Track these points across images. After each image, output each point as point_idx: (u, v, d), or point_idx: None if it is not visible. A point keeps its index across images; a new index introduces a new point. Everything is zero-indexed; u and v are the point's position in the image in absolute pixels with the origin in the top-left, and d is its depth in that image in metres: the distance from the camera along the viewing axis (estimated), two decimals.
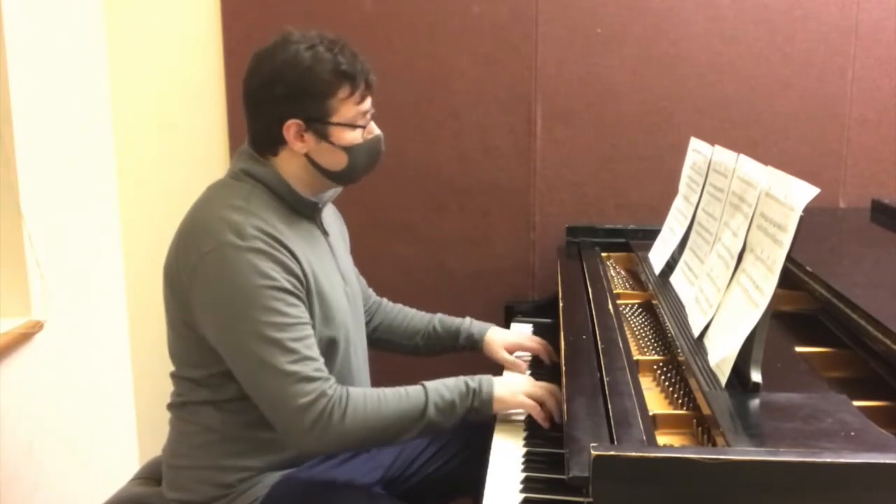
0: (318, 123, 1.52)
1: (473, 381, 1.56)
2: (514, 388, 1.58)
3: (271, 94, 1.51)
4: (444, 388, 1.53)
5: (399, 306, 1.94)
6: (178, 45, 2.49)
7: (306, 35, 1.53)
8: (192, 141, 2.54)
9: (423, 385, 1.54)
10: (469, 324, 1.90)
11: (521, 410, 1.61)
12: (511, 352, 1.88)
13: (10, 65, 1.97)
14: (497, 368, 1.86)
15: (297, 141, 1.52)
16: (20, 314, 2.06)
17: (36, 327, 2.07)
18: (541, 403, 1.58)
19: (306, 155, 1.54)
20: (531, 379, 1.69)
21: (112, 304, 2.47)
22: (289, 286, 1.46)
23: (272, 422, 1.48)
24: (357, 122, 1.54)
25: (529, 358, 1.91)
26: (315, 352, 1.47)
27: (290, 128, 1.51)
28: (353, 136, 1.54)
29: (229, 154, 2.52)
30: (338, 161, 1.55)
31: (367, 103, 1.56)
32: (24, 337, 2.04)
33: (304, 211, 1.59)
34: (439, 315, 1.92)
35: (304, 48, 1.50)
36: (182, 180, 2.52)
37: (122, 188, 2.49)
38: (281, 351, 1.42)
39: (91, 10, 2.35)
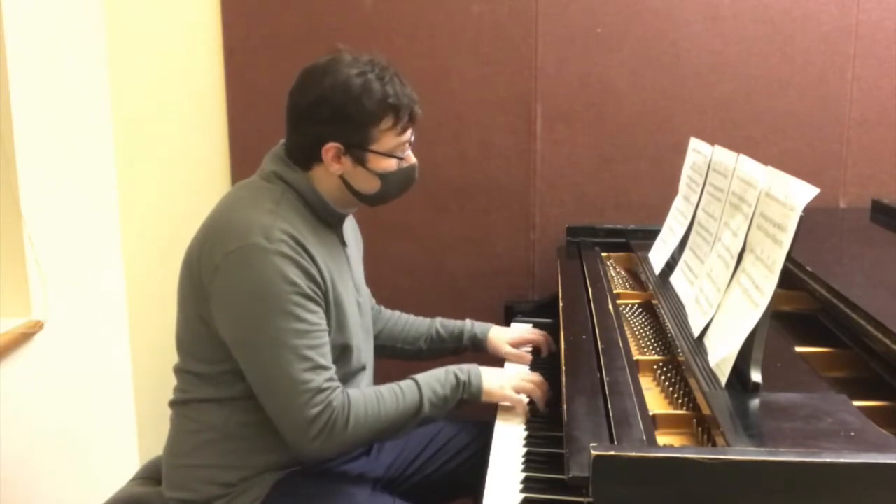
0: (358, 149, 1.53)
1: (462, 373, 1.60)
2: (502, 382, 1.64)
3: (316, 114, 1.51)
4: (437, 382, 1.58)
5: (397, 313, 1.95)
6: (178, 45, 2.49)
7: (358, 59, 1.53)
8: (192, 141, 2.54)
9: (416, 382, 1.57)
10: (471, 325, 1.93)
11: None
12: (516, 346, 1.93)
13: (10, 64, 1.97)
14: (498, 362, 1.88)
15: (333, 162, 1.54)
16: (20, 314, 2.06)
17: (36, 327, 2.07)
18: (528, 395, 1.64)
19: (340, 176, 1.56)
20: (519, 372, 1.71)
21: (112, 303, 2.47)
22: (310, 292, 1.47)
23: (277, 426, 1.49)
24: (395, 153, 1.56)
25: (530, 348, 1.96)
26: (328, 360, 1.48)
27: (330, 150, 1.52)
28: (389, 164, 1.56)
29: (229, 153, 2.53)
30: (371, 185, 1.58)
31: (408, 134, 1.58)
32: (24, 337, 2.04)
33: (330, 220, 1.61)
34: (440, 319, 1.95)
35: (355, 74, 1.50)
36: (182, 180, 2.53)
37: (121, 188, 2.48)
38: (297, 358, 1.43)
39: (91, 10, 2.34)
